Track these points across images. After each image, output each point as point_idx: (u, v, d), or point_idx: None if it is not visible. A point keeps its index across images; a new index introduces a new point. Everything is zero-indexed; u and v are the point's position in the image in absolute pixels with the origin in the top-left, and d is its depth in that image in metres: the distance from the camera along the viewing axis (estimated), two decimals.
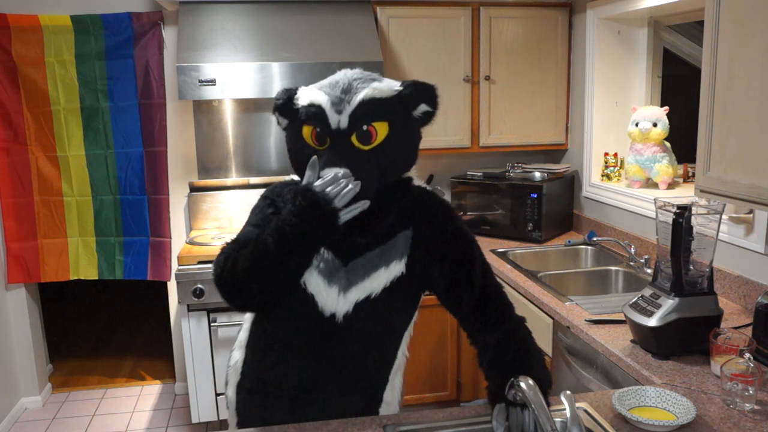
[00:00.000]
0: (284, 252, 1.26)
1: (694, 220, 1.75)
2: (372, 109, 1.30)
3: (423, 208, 1.44)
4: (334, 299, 1.38)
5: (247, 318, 1.53)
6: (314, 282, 1.38)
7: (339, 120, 1.29)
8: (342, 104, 1.29)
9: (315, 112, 1.31)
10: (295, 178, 1.46)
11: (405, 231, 1.42)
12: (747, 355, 1.58)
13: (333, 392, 1.45)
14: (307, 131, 1.33)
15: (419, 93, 1.36)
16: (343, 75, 1.35)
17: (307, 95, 1.34)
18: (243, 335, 1.53)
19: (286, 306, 1.40)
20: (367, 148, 1.31)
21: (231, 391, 1.53)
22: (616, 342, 1.90)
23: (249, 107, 3.43)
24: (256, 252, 1.28)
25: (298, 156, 1.37)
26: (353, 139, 1.30)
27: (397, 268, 1.40)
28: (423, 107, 1.36)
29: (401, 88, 1.35)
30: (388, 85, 1.34)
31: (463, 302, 1.44)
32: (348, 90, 1.31)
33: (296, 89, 1.39)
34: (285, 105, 1.38)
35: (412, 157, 1.40)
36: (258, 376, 1.47)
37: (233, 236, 1.39)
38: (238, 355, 1.52)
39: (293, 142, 1.38)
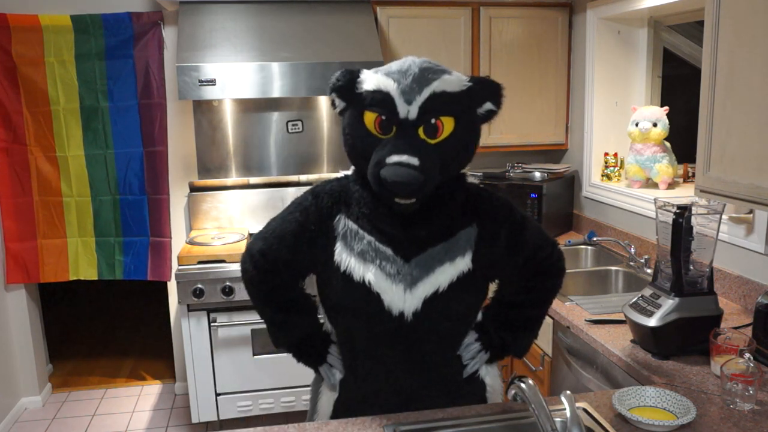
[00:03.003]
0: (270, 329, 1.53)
1: (694, 220, 1.75)
2: (441, 103, 1.26)
3: (485, 204, 1.42)
4: (400, 297, 1.34)
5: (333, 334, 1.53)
6: (377, 280, 1.34)
7: (408, 110, 1.25)
8: (412, 94, 1.25)
9: (382, 99, 1.27)
10: (348, 173, 1.43)
11: (467, 228, 1.39)
12: (747, 355, 1.58)
13: (418, 389, 1.45)
14: (370, 118, 1.29)
15: (487, 91, 1.32)
16: (412, 62, 1.30)
17: (374, 80, 1.29)
18: (334, 351, 1.52)
19: (354, 312, 1.39)
20: (432, 141, 1.27)
21: (325, 405, 1.52)
22: (616, 342, 1.90)
23: (249, 107, 3.43)
24: (255, 306, 1.52)
25: (357, 143, 1.32)
26: (420, 131, 1.27)
27: (462, 264, 1.37)
28: (488, 105, 1.33)
29: (470, 83, 1.31)
30: (457, 79, 1.30)
31: (523, 279, 1.50)
32: (419, 80, 1.26)
33: (359, 71, 1.33)
34: (346, 87, 1.32)
35: (472, 154, 1.36)
36: (353, 394, 1.48)
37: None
38: (339, 375, 1.50)
39: (352, 128, 1.32)
